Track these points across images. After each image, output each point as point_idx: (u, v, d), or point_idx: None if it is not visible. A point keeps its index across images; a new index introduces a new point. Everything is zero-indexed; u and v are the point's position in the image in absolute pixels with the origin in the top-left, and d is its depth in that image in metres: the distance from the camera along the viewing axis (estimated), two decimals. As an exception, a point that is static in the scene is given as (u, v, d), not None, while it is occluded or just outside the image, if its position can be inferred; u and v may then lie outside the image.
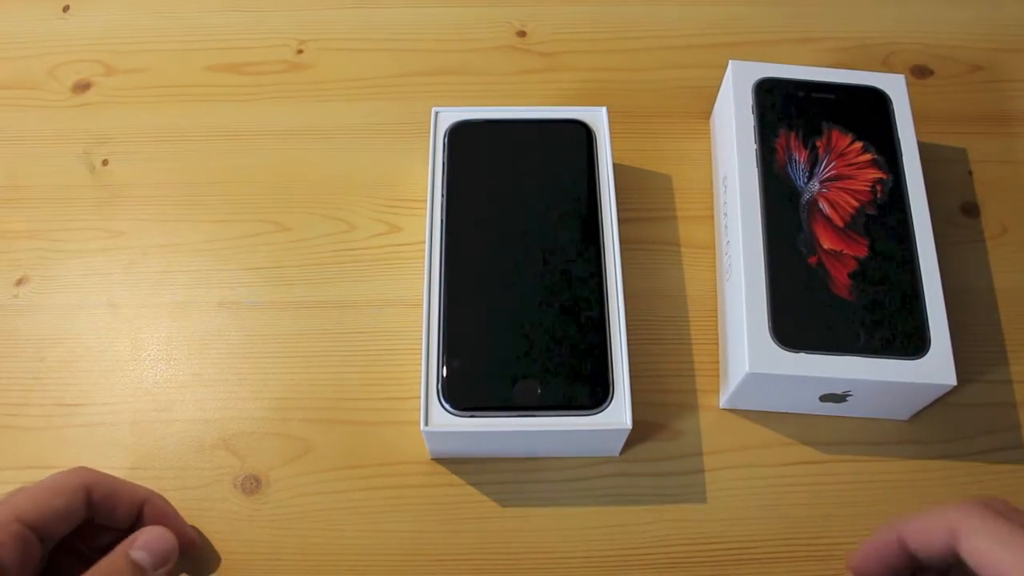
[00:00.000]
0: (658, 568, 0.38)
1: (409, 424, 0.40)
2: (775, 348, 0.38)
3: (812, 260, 0.40)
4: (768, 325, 0.38)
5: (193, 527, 0.38)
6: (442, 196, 0.42)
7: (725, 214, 0.43)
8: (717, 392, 0.42)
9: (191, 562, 0.38)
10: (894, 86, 0.44)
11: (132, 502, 0.36)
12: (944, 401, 0.41)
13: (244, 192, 0.47)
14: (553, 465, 0.40)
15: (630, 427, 0.37)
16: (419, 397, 0.37)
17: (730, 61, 0.45)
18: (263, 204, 0.47)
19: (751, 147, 0.43)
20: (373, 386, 0.42)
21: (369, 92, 0.51)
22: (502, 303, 0.39)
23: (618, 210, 0.42)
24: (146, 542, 0.34)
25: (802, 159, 0.42)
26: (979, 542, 0.27)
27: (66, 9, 0.54)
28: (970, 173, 0.48)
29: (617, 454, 0.40)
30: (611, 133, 0.44)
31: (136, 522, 0.37)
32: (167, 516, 0.37)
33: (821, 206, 0.41)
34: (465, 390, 0.37)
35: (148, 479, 0.39)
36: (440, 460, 0.40)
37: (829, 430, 0.41)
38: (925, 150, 0.43)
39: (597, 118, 0.45)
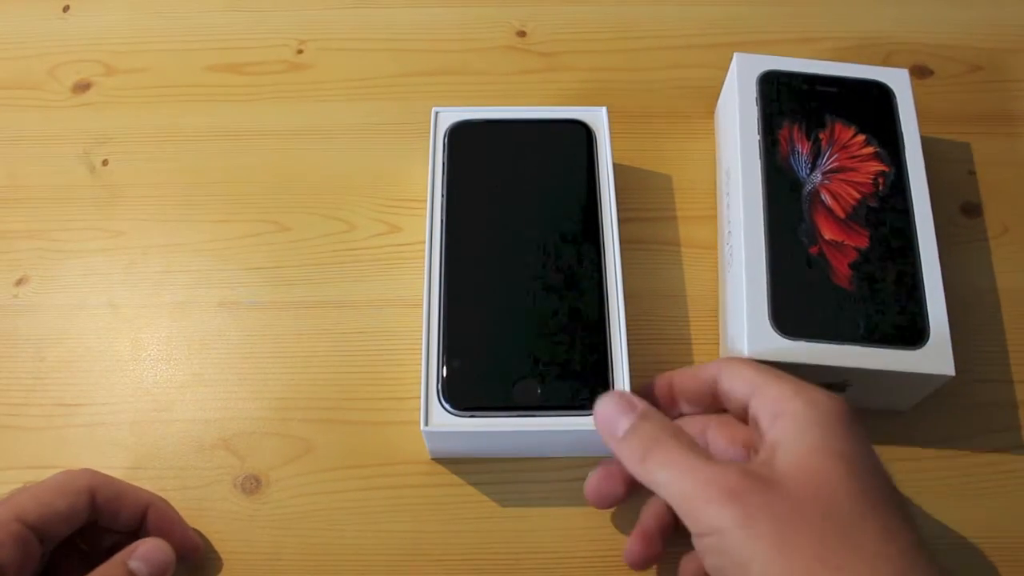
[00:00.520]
0: (659, 568, 0.38)
1: (409, 424, 0.40)
2: (774, 335, 0.38)
3: (813, 250, 0.40)
4: (768, 313, 0.38)
5: (196, 530, 0.38)
6: (442, 196, 0.42)
7: (728, 205, 0.44)
8: (717, 392, 0.42)
9: (190, 564, 0.38)
10: (898, 80, 0.45)
11: (136, 506, 0.36)
12: (944, 401, 0.41)
13: (244, 192, 0.47)
14: (553, 465, 0.40)
15: (630, 427, 0.37)
16: (419, 397, 0.37)
17: (735, 53, 0.45)
18: (263, 204, 0.47)
19: (754, 138, 0.43)
20: (373, 386, 0.42)
21: (369, 92, 0.51)
22: (502, 303, 0.39)
23: (618, 210, 0.42)
24: (144, 553, 0.34)
25: (805, 151, 0.42)
26: (735, 370, 0.35)
27: (66, 9, 0.54)
28: (970, 173, 0.48)
29: (617, 454, 0.40)
30: (611, 133, 0.44)
31: (140, 526, 0.37)
32: (170, 520, 0.37)
33: (823, 197, 0.41)
34: (465, 390, 0.37)
35: (148, 479, 0.39)
36: (440, 460, 0.40)
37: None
38: (925, 149, 0.43)
39: (597, 118, 0.45)
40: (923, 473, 0.40)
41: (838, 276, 0.39)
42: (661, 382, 0.38)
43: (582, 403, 0.37)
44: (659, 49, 0.52)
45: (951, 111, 0.50)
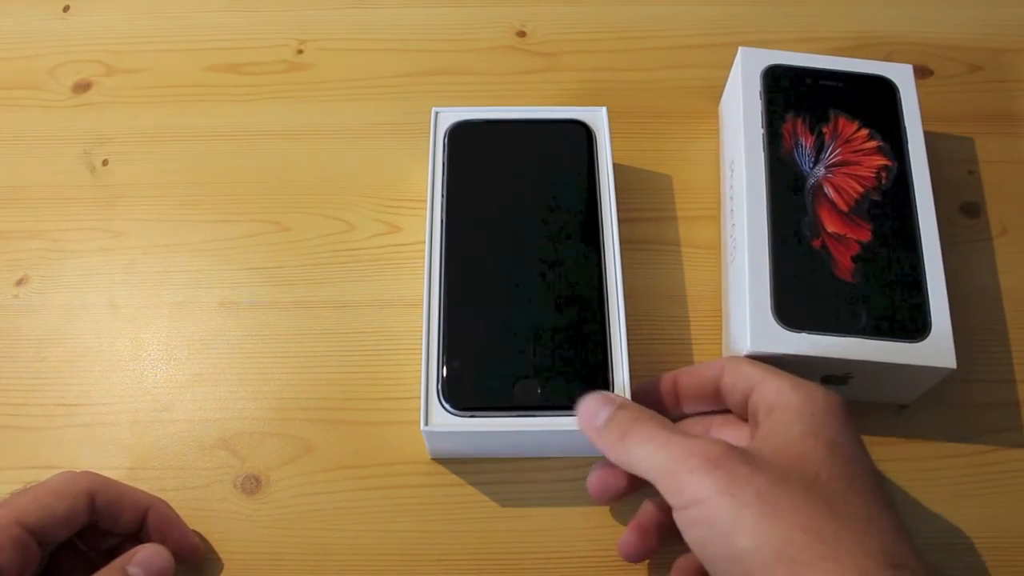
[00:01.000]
0: (659, 567, 0.38)
1: (409, 424, 0.40)
2: (777, 328, 0.38)
3: (816, 243, 0.40)
4: (771, 305, 0.39)
5: (196, 532, 0.38)
6: (442, 196, 0.42)
7: (731, 198, 0.44)
8: (717, 392, 0.42)
9: (191, 565, 0.38)
10: (902, 76, 0.45)
11: (136, 508, 0.36)
12: (945, 400, 0.41)
13: (244, 192, 0.47)
14: (553, 465, 0.40)
15: (630, 427, 0.37)
16: (419, 397, 0.37)
17: (740, 47, 0.45)
18: (263, 204, 0.47)
19: (758, 132, 0.43)
20: (373, 386, 0.42)
21: (369, 92, 0.51)
22: (502, 303, 0.39)
23: (618, 210, 0.42)
24: (143, 559, 0.34)
25: (808, 144, 0.42)
26: (737, 367, 0.35)
27: (66, 9, 0.54)
28: (970, 173, 0.48)
29: (617, 454, 0.40)
30: (611, 133, 0.44)
31: (139, 528, 0.37)
32: (171, 523, 0.37)
33: (826, 190, 0.41)
34: (465, 390, 0.37)
35: (148, 479, 0.39)
36: (440, 460, 0.40)
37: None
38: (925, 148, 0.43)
39: (597, 118, 0.45)
40: (923, 472, 0.40)
41: (840, 269, 0.39)
42: (665, 380, 0.38)
43: (582, 403, 0.37)
44: (659, 49, 0.52)
45: (951, 111, 0.50)
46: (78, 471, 0.36)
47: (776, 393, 0.33)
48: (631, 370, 0.38)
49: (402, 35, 0.53)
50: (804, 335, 0.38)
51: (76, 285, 0.45)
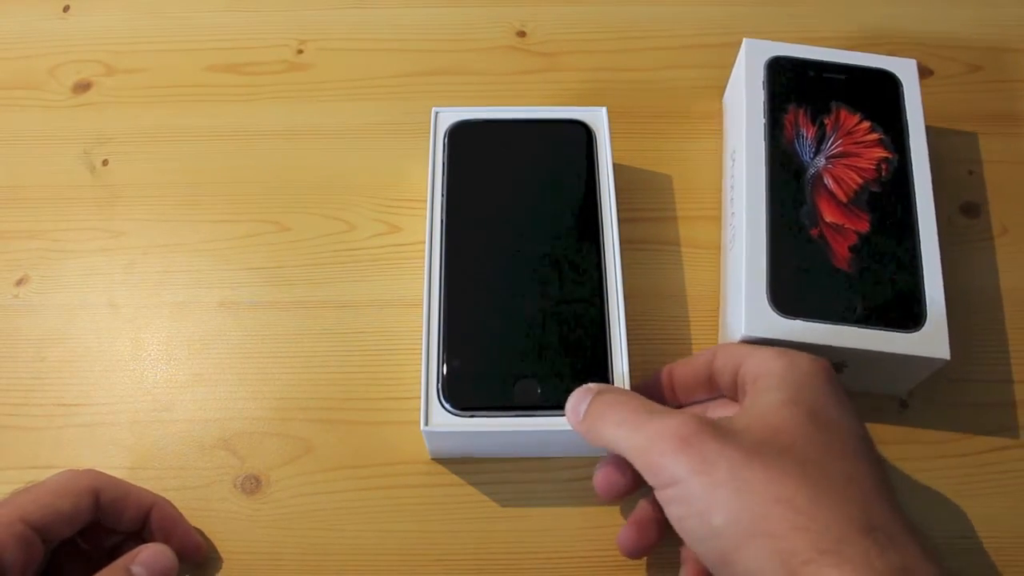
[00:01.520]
0: (659, 567, 0.38)
1: (409, 424, 0.40)
2: (772, 314, 0.38)
3: (814, 232, 0.40)
4: (766, 292, 0.39)
5: (198, 530, 0.38)
6: (442, 196, 0.42)
7: (732, 187, 0.44)
8: (717, 392, 0.42)
9: (193, 564, 0.38)
10: (905, 70, 0.45)
11: (139, 507, 0.36)
12: (944, 400, 0.41)
13: (244, 192, 0.47)
14: (553, 465, 0.40)
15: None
16: (419, 397, 0.37)
17: (744, 39, 0.46)
18: (263, 204, 0.47)
19: (759, 121, 0.43)
20: (373, 386, 0.42)
21: (369, 92, 0.51)
22: (502, 303, 0.39)
23: (618, 210, 0.42)
24: (147, 558, 0.34)
25: (809, 135, 0.43)
26: (727, 347, 0.36)
27: (66, 9, 0.54)
28: (970, 173, 0.48)
29: (617, 454, 0.40)
30: (611, 133, 0.44)
31: (143, 527, 0.37)
32: (174, 521, 0.37)
33: (825, 181, 0.41)
34: (465, 390, 0.37)
35: (148, 479, 0.39)
36: (440, 460, 0.40)
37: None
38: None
39: (597, 118, 0.45)
40: (922, 472, 0.40)
41: (838, 258, 0.40)
42: (663, 375, 0.38)
43: (582, 403, 0.37)
44: (659, 49, 0.52)
45: (951, 110, 0.50)
46: (82, 469, 0.36)
47: (760, 362, 0.34)
48: (631, 370, 0.38)
49: (402, 35, 0.53)
50: (799, 321, 0.38)
51: (76, 285, 0.45)
